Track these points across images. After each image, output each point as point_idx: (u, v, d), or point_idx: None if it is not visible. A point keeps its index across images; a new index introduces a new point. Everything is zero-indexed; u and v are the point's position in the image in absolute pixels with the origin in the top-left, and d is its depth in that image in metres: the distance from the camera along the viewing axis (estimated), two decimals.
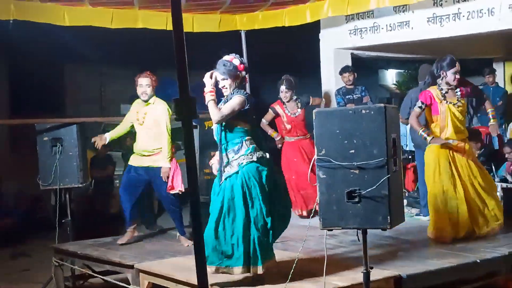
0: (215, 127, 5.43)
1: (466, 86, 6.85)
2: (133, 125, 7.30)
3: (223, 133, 5.33)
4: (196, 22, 9.03)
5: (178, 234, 7.31)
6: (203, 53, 10.72)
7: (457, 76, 6.67)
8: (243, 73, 5.46)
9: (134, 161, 7.33)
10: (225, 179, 5.27)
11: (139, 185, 7.32)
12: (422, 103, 6.71)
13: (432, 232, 6.78)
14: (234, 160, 5.27)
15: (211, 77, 5.29)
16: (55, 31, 8.31)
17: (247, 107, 5.28)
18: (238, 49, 9.42)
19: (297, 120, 8.66)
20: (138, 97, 7.26)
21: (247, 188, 5.18)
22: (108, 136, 7.46)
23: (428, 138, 6.65)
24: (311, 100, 8.87)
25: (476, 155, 8.99)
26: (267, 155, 5.36)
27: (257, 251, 5.14)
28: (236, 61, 5.41)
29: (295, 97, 8.70)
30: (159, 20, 8.55)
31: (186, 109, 3.00)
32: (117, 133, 7.53)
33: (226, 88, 5.39)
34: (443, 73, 6.67)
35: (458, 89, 6.74)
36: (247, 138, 5.32)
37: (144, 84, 7.12)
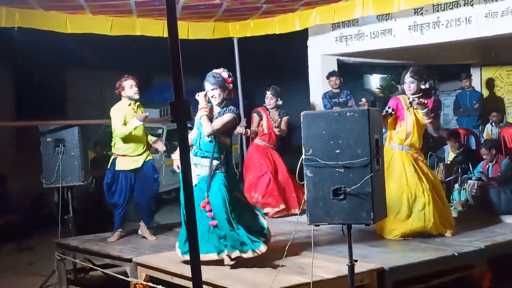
0: (197, 133, 5.63)
1: (429, 98, 6.71)
2: None
3: (205, 144, 5.55)
4: (191, 30, 9.04)
5: (141, 223, 7.28)
6: (198, 59, 10.76)
7: (409, 87, 6.53)
8: (231, 85, 5.67)
9: (120, 165, 7.12)
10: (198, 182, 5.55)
11: (126, 189, 7.15)
12: (389, 107, 6.61)
13: (380, 228, 6.69)
14: (205, 167, 5.54)
15: (204, 96, 5.53)
16: (58, 38, 8.29)
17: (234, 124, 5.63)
18: (231, 55, 9.44)
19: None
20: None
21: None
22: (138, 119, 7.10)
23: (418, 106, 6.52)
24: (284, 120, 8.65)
25: (455, 155, 9.07)
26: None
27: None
28: (225, 74, 5.68)
29: (278, 105, 8.60)
30: (156, 27, 8.55)
31: (181, 112, 3.00)
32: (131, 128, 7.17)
33: (215, 97, 5.61)
34: (403, 84, 6.67)
35: (414, 98, 6.53)
36: (222, 156, 5.59)
37: (133, 84, 7.02)
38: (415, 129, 6.59)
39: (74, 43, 9.82)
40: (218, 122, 5.50)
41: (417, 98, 6.45)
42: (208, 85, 5.59)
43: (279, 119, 8.54)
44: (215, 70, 5.67)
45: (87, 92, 15.12)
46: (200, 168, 5.57)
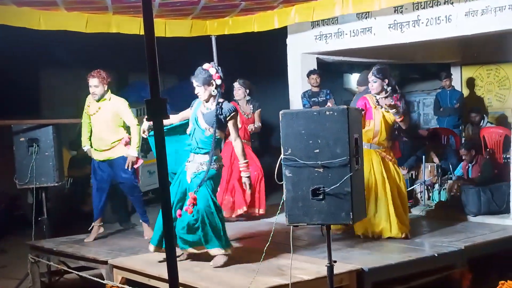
0: (192, 129, 5.69)
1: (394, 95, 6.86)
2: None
3: (201, 140, 5.61)
4: (168, 27, 9.00)
5: (141, 221, 7.32)
6: (175, 57, 10.72)
7: (372, 86, 6.74)
8: (218, 81, 5.61)
9: (95, 155, 7.32)
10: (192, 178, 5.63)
11: (106, 181, 7.32)
12: (358, 108, 6.75)
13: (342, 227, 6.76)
14: (200, 165, 5.61)
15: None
16: (32, 35, 8.21)
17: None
18: (209, 53, 9.42)
19: (248, 122, 8.49)
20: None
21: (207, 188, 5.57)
22: (87, 146, 7.45)
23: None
24: (257, 114, 8.64)
25: (436, 155, 9.14)
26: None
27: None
28: (213, 70, 5.65)
29: (248, 98, 8.54)
30: (133, 25, 8.50)
31: (157, 110, 2.98)
32: (87, 137, 7.44)
33: (200, 94, 5.63)
34: (361, 85, 6.85)
35: (384, 105, 6.73)
36: (216, 150, 5.66)
37: (92, 85, 7.11)
38: (382, 128, 6.73)
39: (49, 41, 9.73)
40: (236, 134, 5.68)
41: (385, 104, 6.60)
42: (194, 82, 5.62)
43: (251, 112, 8.50)
44: (204, 66, 5.67)
45: (62, 91, 15.00)
46: (195, 165, 5.62)
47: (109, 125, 7.13)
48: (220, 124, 5.59)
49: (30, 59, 12.01)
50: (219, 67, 5.72)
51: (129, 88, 15.66)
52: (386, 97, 6.75)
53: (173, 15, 8.84)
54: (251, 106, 8.55)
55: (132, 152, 7.06)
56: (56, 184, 7.85)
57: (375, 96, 6.78)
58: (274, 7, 8.72)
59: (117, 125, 7.15)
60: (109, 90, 7.22)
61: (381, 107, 6.72)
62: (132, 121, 7.08)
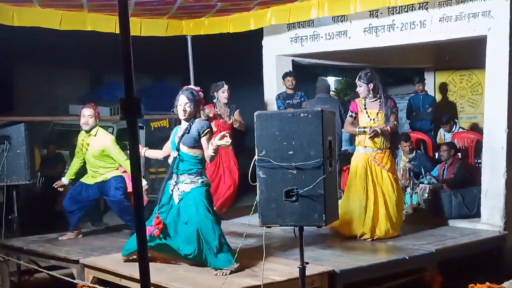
0: (172, 157, 5.66)
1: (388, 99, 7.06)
2: (83, 158, 7.27)
3: (181, 163, 5.59)
4: (144, 26, 8.95)
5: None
6: (151, 57, 10.68)
7: (358, 89, 6.97)
8: (201, 106, 5.79)
9: (86, 179, 7.30)
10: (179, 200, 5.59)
11: (88, 202, 7.30)
12: (351, 111, 7.04)
13: (332, 226, 6.83)
14: (186, 184, 5.56)
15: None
16: (4, 31, 8.11)
17: None
18: (184, 53, 9.40)
19: (225, 126, 8.36)
20: (85, 98, 7.20)
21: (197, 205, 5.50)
22: (66, 179, 7.44)
23: (368, 130, 6.80)
24: (237, 113, 8.56)
25: (408, 159, 9.21)
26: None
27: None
28: (201, 95, 5.74)
29: (226, 101, 8.48)
30: (108, 23, 8.44)
31: (131, 109, 2.97)
32: (73, 171, 7.43)
33: (186, 112, 5.59)
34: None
35: (370, 101, 6.95)
36: (202, 169, 5.63)
37: (86, 114, 7.09)
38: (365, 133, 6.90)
39: (22, 37, 9.63)
40: (205, 149, 5.54)
41: (369, 135, 6.80)
42: (183, 98, 5.57)
43: (228, 115, 8.43)
44: (193, 88, 5.73)
45: (35, 88, 14.88)
46: (184, 184, 5.58)
47: (96, 159, 7.12)
48: (195, 141, 5.55)
49: (2, 55, 11.89)
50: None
51: (104, 87, 15.60)
52: (374, 101, 6.94)
53: (149, 14, 8.80)
54: (228, 109, 8.52)
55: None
56: (27, 182, 7.78)
57: (364, 100, 6.97)
58: (250, 8, 8.73)
59: (104, 155, 7.12)
60: (97, 125, 7.19)
61: (367, 112, 6.92)
62: (120, 159, 7.09)
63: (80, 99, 14.01)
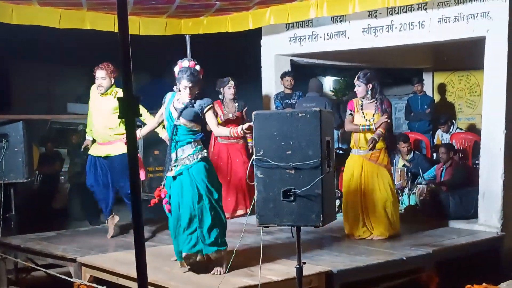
0: (168, 126, 5.52)
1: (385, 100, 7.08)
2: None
3: (177, 132, 5.45)
4: (143, 25, 8.95)
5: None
6: (150, 55, 10.67)
7: (356, 89, 6.98)
8: (201, 76, 5.60)
9: (93, 150, 7.14)
10: (174, 177, 5.41)
11: (106, 174, 7.12)
12: (350, 110, 7.04)
13: (345, 229, 7.08)
14: (182, 159, 5.40)
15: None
16: (3, 29, 8.10)
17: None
18: (183, 52, 9.39)
19: (235, 122, 8.36)
20: (83, 96, 7.16)
21: (196, 185, 5.33)
22: (89, 136, 7.26)
23: (372, 127, 6.83)
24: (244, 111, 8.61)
25: (407, 159, 9.22)
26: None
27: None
28: (198, 67, 5.60)
29: (232, 97, 8.55)
30: (107, 22, 8.44)
31: (130, 109, 2.96)
32: (90, 128, 7.23)
33: (191, 93, 5.48)
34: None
35: (366, 102, 6.97)
36: (196, 139, 5.46)
37: (99, 77, 6.92)
38: (362, 133, 6.94)
39: (21, 36, 9.61)
40: (215, 126, 5.51)
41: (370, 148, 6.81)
42: (185, 82, 5.42)
43: (236, 111, 8.50)
44: (189, 64, 5.53)
45: (33, 86, 14.86)
46: (181, 160, 5.42)
47: (108, 119, 6.93)
48: (197, 117, 5.46)
49: (0, 53, 11.87)
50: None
51: None
52: (371, 102, 6.94)
53: (148, 13, 8.80)
54: (236, 105, 8.56)
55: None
56: (25, 180, 7.78)
57: (361, 100, 6.99)
58: (249, 8, 8.73)
59: (119, 122, 6.89)
60: (115, 85, 7.03)
61: (363, 113, 6.93)
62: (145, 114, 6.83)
63: (78, 98, 13.99)
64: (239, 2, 8.38)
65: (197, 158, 5.40)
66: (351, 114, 7.01)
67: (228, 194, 8.31)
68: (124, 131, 6.73)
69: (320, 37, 9.10)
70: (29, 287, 7.23)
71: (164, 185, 5.52)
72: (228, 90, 8.50)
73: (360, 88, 6.92)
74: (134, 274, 3.11)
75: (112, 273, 5.72)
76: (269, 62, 9.87)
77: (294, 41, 9.44)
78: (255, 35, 9.75)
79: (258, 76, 10.13)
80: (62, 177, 11.62)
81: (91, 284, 5.89)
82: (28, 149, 7.76)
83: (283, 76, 9.35)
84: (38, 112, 11.79)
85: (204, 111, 5.47)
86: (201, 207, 5.32)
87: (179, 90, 5.50)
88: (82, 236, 7.36)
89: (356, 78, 6.99)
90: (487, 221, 7.38)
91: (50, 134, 13.63)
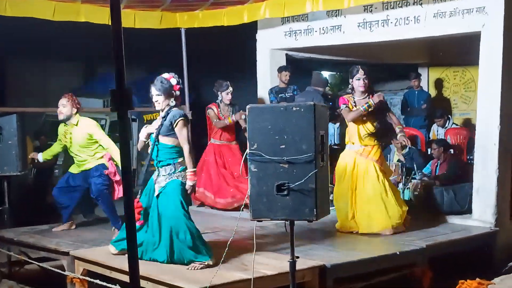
0: (151, 146, 5.62)
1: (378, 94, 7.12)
2: (64, 145, 7.31)
3: (158, 152, 5.56)
4: (138, 18, 8.91)
5: (113, 228, 7.18)
6: (145, 49, 10.64)
7: (362, 83, 6.97)
8: (177, 92, 5.65)
9: (72, 169, 7.32)
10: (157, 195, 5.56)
11: (75, 192, 7.25)
12: (344, 104, 7.04)
13: (337, 224, 7.11)
14: (164, 176, 5.54)
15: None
16: None
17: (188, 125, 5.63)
18: (178, 46, 9.37)
19: (229, 125, 8.65)
20: (78, 90, 7.19)
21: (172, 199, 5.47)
22: (41, 156, 7.50)
23: (371, 101, 6.90)
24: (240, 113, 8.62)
25: (402, 154, 9.22)
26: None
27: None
28: (173, 81, 5.65)
29: (228, 102, 8.68)
30: (101, 14, 8.38)
31: (122, 101, 2.95)
32: (51, 153, 7.53)
33: (159, 103, 5.59)
34: (351, 81, 7.05)
35: (368, 96, 7.03)
36: (179, 160, 5.55)
37: (60, 104, 7.14)
38: (356, 128, 7.00)
39: (15, 28, 9.58)
40: (184, 141, 5.50)
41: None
42: (153, 90, 5.57)
43: (230, 115, 8.58)
44: (164, 75, 5.64)
45: (28, 79, 14.82)
46: (162, 177, 5.56)
47: (83, 146, 7.11)
48: (169, 130, 5.52)
49: None
50: (180, 79, 5.72)
51: (97, 79, 15.55)
52: (363, 98, 7.00)
53: (143, 6, 8.77)
54: (230, 109, 8.64)
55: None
56: (19, 174, 7.76)
57: (353, 97, 7.04)
58: (244, 1, 8.71)
59: (90, 142, 7.11)
60: (77, 114, 7.18)
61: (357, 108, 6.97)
62: (107, 142, 7.07)
63: (73, 91, 13.95)
64: None
65: (174, 177, 5.52)
66: (347, 106, 7.01)
67: (220, 189, 8.40)
68: (98, 153, 7.06)
69: (316, 31, 9.09)
70: (22, 280, 7.20)
71: (140, 197, 5.65)
72: (226, 96, 8.61)
73: (366, 81, 6.97)
74: (127, 267, 3.11)
75: (105, 267, 5.71)
76: (264, 56, 9.86)
77: (290, 35, 9.43)
78: (251, 29, 9.73)
79: (253, 70, 10.12)
80: (57, 171, 11.60)
81: (84, 277, 5.88)
82: (22, 142, 7.74)
83: (280, 70, 9.34)
84: (32, 105, 11.75)
85: (174, 124, 5.50)
86: (179, 220, 5.42)
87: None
88: (76, 229, 7.34)
89: (357, 73, 6.98)
90: (481, 216, 7.39)
91: (44, 127, 13.59)
